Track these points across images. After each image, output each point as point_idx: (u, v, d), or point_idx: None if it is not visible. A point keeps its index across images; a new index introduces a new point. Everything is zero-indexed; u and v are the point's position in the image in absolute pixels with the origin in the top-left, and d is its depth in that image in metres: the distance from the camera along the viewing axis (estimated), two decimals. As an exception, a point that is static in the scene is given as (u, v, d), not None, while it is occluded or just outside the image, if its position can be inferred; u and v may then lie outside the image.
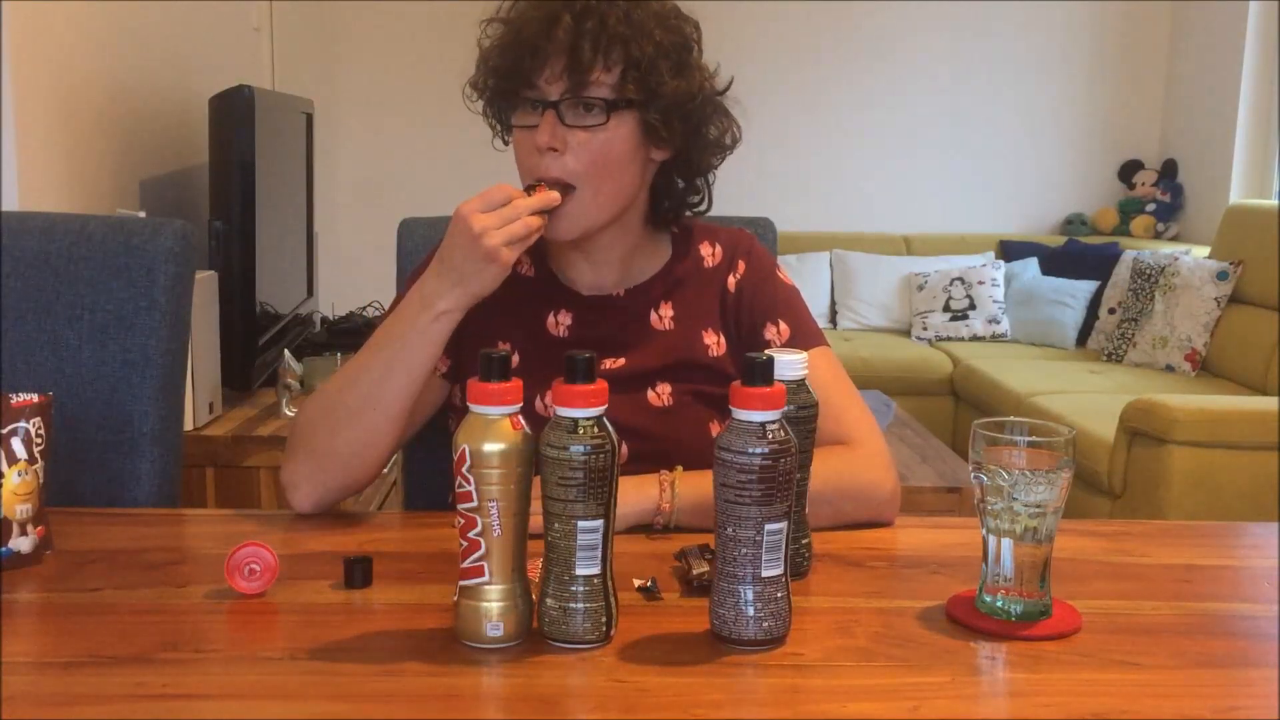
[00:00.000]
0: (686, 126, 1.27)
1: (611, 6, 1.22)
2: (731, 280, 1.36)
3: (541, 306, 1.34)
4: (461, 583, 0.92)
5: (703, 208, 1.38)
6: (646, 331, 1.33)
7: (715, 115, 1.31)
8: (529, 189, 1.20)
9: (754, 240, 1.40)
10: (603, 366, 1.30)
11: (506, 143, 1.33)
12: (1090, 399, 3.88)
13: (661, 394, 1.31)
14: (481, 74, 1.29)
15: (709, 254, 1.38)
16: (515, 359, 1.30)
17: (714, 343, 1.34)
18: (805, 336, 1.33)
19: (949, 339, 4.94)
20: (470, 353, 1.31)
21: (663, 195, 1.34)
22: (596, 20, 1.21)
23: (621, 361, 1.32)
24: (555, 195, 1.18)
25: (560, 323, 1.33)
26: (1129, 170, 5.44)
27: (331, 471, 1.23)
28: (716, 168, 1.35)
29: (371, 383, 1.22)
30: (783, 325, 1.33)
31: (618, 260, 1.34)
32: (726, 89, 1.32)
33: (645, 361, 1.32)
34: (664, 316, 1.34)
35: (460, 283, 1.18)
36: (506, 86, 1.26)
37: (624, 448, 1.26)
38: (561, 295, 1.34)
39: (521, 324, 1.33)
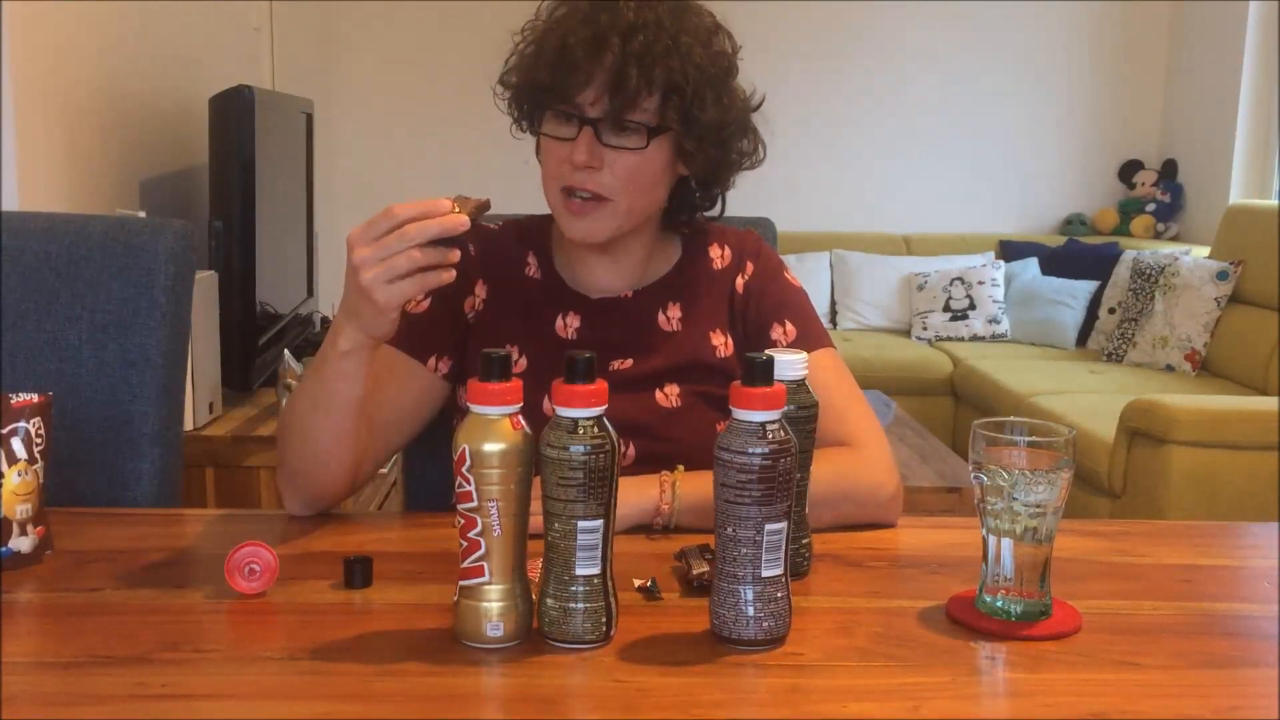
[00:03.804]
0: (719, 150, 1.28)
1: (658, 27, 1.21)
2: (739, 281, 1.36)
3: (550, 309, 1.34)
4: (461, 583, 0.92)
5: (714, 213, 1.39)
6: (654, 333, 1.33)
7: (745, 135, 1.31)
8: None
9: (761, 241, 1.41)
10: (610, 368, 1.30)
11: (523, 129, 1.33)
12: (1090, 399, 3.88)
13: (669, 395, 1.31)
14: (517, 79, 1.28)
15: (718, 255, 1.38)
16: (523, 361, 1.30)
17: (721, 344, 1.34)
18: (812, 338, 1.33)
19: (949, 339, 4.94)
20: (476, 354, 1.31)
21: (679, 203, 1.34)
22: (643, 42, 1.20)
23: (629, 363, 1.32)
24: (461, 220, 1.01)
25: (569, 325, 1.33)
26: (1129, 170, 5.44)
27: (300, 485, 1.22)
28: (730, 185, 1.35)
29: (305, 412, 1.18)
30: (789, 326, 1.33)
31: (635, 263, 1.35)
32: (758, 107, 1.32)
33: (653, 363, 1.32)
34: (672, 318, 1.34)
35: (353, 318, 1.08)
36: (543, 99, 1.25)
37: (631, 448, 1.27)
38: (569, 298, 1.34)
39: (529, 326, 1.33)
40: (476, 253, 1.35)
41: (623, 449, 1.27)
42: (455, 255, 1.03)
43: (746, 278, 1.37)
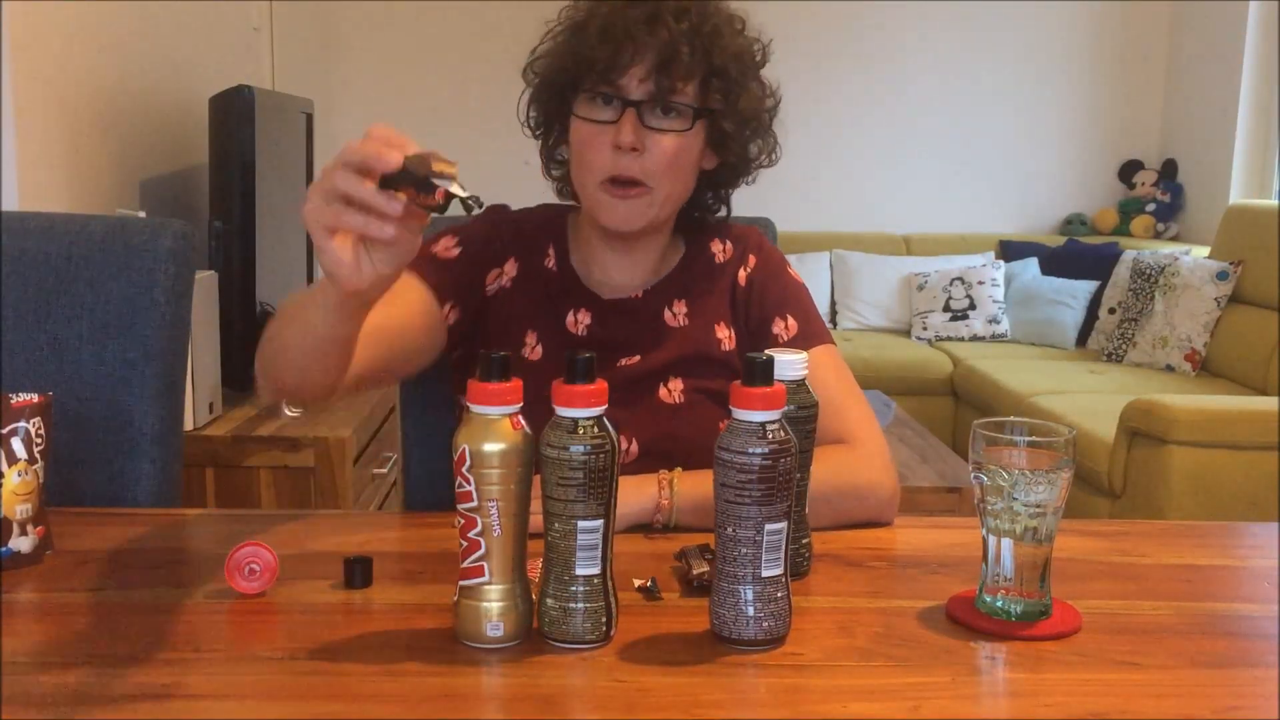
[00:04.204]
0: (751, 138, 1.29)
1: (702, 11, 1.23)
2: (742, 274, 1.37)
3: (562, 303, 1.34)
4: (461, 583, 0.92)
5: (721, 215, 1.39)
6: (662, 330, 1.34)
7: (768, 130, 1.32)
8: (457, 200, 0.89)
9: (763, 236, 1.42)
10: (618, 364, 1.31)
11: (535, 129, 1.33)
12: (1090, 399, 3.88)
13: (673, 390, 1.31)
14: (556, 61, 1.27)
15: (719, 250, 1.39)
16: (539, 350, 1.30)
17: (726, 336, 1.35)
18: (812, 333, 1.34)
19: (949, 339, 4.94)
20: (495, 331, 1.31)
21: (691, 202, 1.35)
22: (691, 24, 1.21)
23: (636, 358, 1.32)
24: (387, 157, 0.86)
25: (579, 321, 1.33)
26: (1129, 170, 5.44)
27: (266, 377, 1.12)
28: (747, 182, 1.36)
29: (281, 312, 1.08)
30: (790, 321, 1.34)
31: (649, 261, 1.35)
32: (778, 103, 1.33)
33: (659, 357, 1.32)
34: (678, 314, 1.35)
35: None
36: (581, 79, 1.24)
37: (634, 445, 1.27)
38: (581, 295, 1.35)
39: (545, 317, 1.33)
40: (511, 234, 1.35)
41: (625, 445, 1.27)
42: (394, 208, 0.86)
43: (749, 270, 1.37)
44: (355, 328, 1.02)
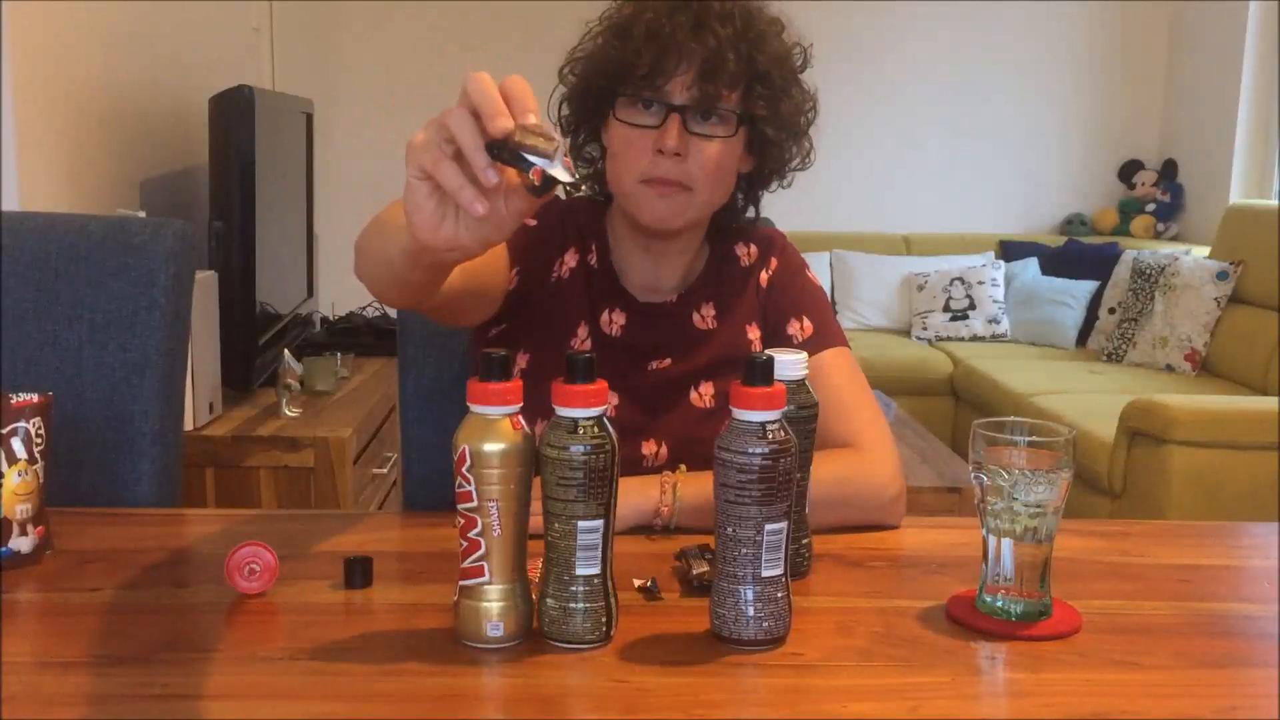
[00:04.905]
0: (791, 142, 1.29)
1: (747, 15, 1.23)
2: (764, 276, 1.38)
3: (599, 300, 1.34)
4: (461, 583, 0.92)
5: (750, 216, 1.39)
6: (692, 333, 1.34)
7: (804, 135, 1.32)
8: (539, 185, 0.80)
9: (786, 240, 1.42)
10: (649, 367, 1.31)
11: (559, 125, 1.32)
12: (1090, 399, 3.88)
13: (704, 395, 1.32)
14: (598, 65, 1.26)
15: (744, 253, 1.39)
16: (589, 344, 1.30)
17: (757, 338, 1.35)
18: (827, 335, 1.34)
19: (949, 339, 4.94)
20: (557, 317, 1.31)
21: (724, 206, 1.34)
22: (736, 29, 1.21)
23: (668, 362, 1.32)
24: (501, 124, 0.78)
25: (614, 322, 1.33)
26: (1129, 170, 5.44)
27: (359, 271, 1.09)
28: (783, 186, 1.36)
29: (376, 229, 1.05)
30: (806, 322, 1.34)
31: (682, 264, 1.35)
32: (815, 106, 1.33)
33: (690, 361, 1.32)
34: (706, 316, 1.35)
35: None
36: (624, 83, 1.23)
37: (664, 448, 1.28)
38: (618, 294, 1.34)
39: (583, 312, 1.33)
40: (571, 224, 1.35)
41: (654, 449, 1.28)
42: (488, 178, 0.79)
43: (770, 273, 1.38)
44: (427, 279, 0.97)
